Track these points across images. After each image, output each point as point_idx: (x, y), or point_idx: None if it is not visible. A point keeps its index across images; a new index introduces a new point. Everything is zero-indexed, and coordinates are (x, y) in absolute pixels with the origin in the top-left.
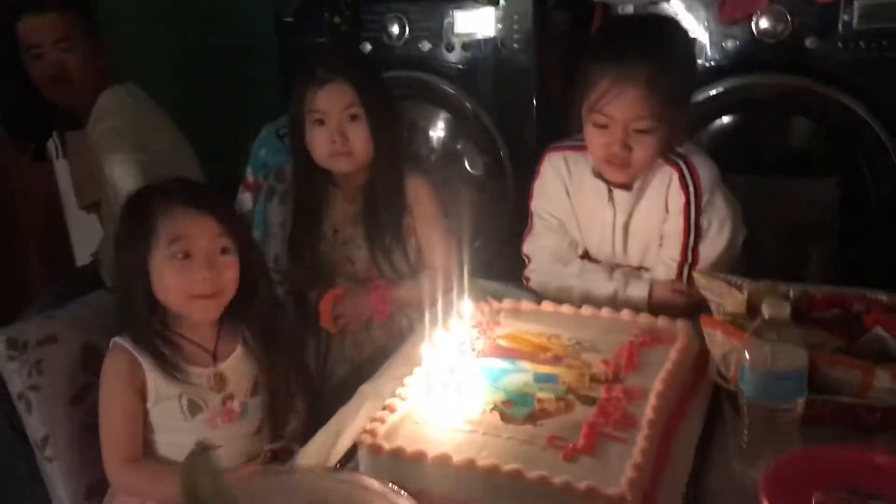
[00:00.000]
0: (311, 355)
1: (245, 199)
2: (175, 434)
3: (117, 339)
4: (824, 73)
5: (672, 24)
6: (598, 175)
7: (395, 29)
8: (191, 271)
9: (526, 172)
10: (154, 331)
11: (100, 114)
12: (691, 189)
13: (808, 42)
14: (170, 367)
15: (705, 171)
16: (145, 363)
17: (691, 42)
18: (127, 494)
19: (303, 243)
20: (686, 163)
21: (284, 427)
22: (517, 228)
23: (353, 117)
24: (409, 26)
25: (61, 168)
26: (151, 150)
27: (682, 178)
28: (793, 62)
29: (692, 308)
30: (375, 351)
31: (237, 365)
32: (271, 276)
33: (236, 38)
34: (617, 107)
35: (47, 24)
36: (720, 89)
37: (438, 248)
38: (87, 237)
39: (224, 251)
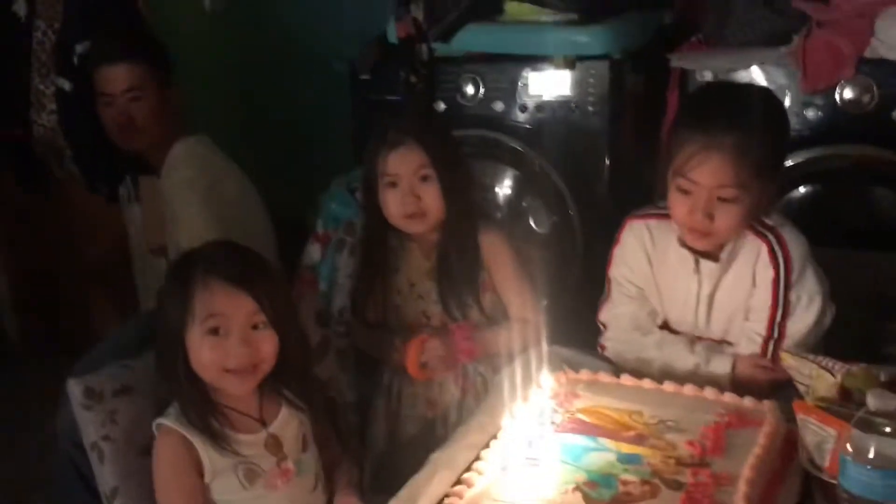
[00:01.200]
0: (380, 413)
1: (314, 250)
2: None
3: (163, 422)
4: None
5: (765, 94)
6: (685, 244)
7: (470, 89)
8: (225, 347)
9: (595, 232)
10: (200, 406)
11: (173, 163)
12: (781, 263)
13: (895, 114)
14: (221, 440)
15: (796, 244)
16: (196, 441)
17: (783, 113)
18: None
19: (367, 299)
20: (776, 236)
21: (338, 483)
22: (585, 289)
23: (425, 178)
24: (484, 86)
25: (132, 212)
26: (221, 200)
27: (771, 251)
28: (877, 133)
29: (775, 386)
30: (448, 410)
31: (285, 425)
32: (335, 328)
33: (312, 92)
34: (702, 173)
35: (118, 74)
36: (800, 159)
37: (524, 298)
38: (152, 282)
39: (259, 326)
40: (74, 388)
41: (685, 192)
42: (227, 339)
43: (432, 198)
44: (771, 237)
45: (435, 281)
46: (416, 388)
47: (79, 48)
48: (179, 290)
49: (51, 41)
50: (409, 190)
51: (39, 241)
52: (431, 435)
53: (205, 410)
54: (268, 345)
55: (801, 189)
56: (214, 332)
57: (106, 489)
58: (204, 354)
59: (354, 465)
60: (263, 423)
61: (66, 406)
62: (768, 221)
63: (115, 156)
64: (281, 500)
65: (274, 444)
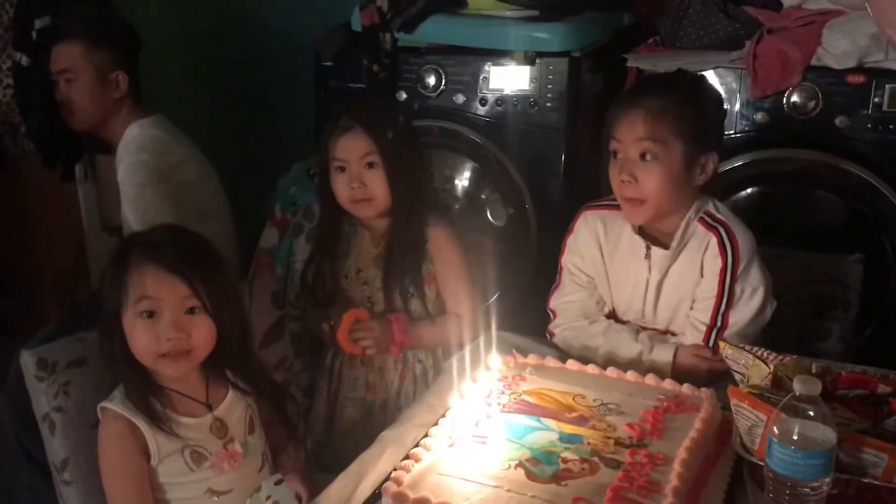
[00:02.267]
0: (322, 395)
1: (271, 234)
2: (182, 489)
3: (107, 405)
4: (851, 151)
5: (696, 77)
6: (639, 231)
7: (432, 80)
8: (158, 330)
9: (550, 225)
10: (142, 389)
11: (127, 146)
12: (729, 255)
13: (838, 120)
14: (165, 423)
15: (744, 239)
16: (142, 424)
17: (711, 94)
18: None
19: (317, 281)
20: (726, 229)
21: (283, 465)
22: (538, 282)
23: (371, 165)
24: (445, 78)
25: (87, 190)
26: (176, 182)
27: (720, 243)
28: (820, 138)
29: (713, 376)
30: (387, 395)
31: (231, 407)
32: (290, 311)
33: (275, 77)
34: (622, 128)
35: (58, 54)
36: (747, 160)
37: (461, 296)
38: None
39: (194, 310)
40: (28, 359)
41: (614, 154)
42: (159, 322)
43: (377, 184)
44: (721, 230)
45: (380, 268)
46: (357, 371)
47: (38, 23)
48: (116, 272)
49: (9, 15)
50: (356, 175)
51: None
52: (370, 418)
53: (147, 393)
54: (202, 330)
55: (748, 190)
56: (148, 315)
57: (56, 460)
58: (137, 338)
59: (300, 448)
60: (209, 407)
61: (13, 383)
62: (718, 215)
63: (71, 133)
64: (228, 482)
65: (219, 428)
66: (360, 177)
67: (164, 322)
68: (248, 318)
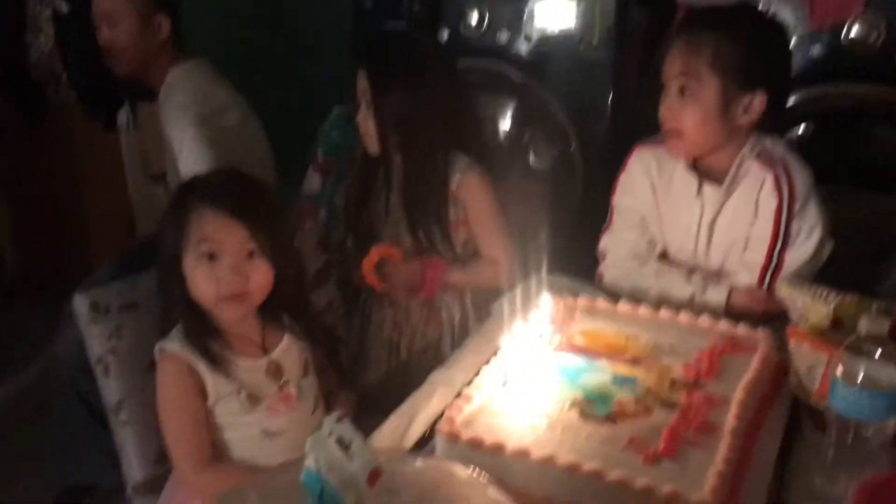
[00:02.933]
0: (353, 331)
1: (314, 179)
2: (238, 429)
3: (164, 346)
4: None
5: (748, 11)
6: (692, 168)
7: (475, 18)
8: (217, 273)
9: (596, 167)
10: (200, 330)
11: (170, 89)
12: (785, 193)
13: None
14: (222, 364)
15: (801, 175)
16: (199, 365)
17: (769, 26)
18: (207, 498)
19: (355, 220)
20: (783, 166)
21: (334, 409)
22: (584, 224)
23: (367, 104)
24: (489, 16)
25: (129, 138)
26: (219, 126)
27: (776, 181)
28: (881, 72)
29: (768, 316)
30: (412, 337)
31: (287, 351)
32: (334, 257)
33: (312, 18)
34: (666, 62)
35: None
36: (803, 96)
37: (496, 242)
38: (151, 210)
39: (252, 254)
40: (81, 303)
41: (665, 89)
42: (219, 265)
43: (362, 120)
44: (777, 167)
45: (403, 210)
46: (384, 311)
47: None
48: (177, 215)
49: None
50: (361, 112)
51: (38, 172)
52: (396, 357)
53: (206, 335)
54: (260, 274)
55: (805, 126)
56: (208, 257)
57: (111, 402)
58: (197, 280)
59: (351, 394)
60: (265, 350)
61: (68, 329)
62: (775, 152)
63: (113, 81)
64: (282, 424)
65: (275, 371)
66: (363, 113)
67: (223, 265)
68: (303, 262)
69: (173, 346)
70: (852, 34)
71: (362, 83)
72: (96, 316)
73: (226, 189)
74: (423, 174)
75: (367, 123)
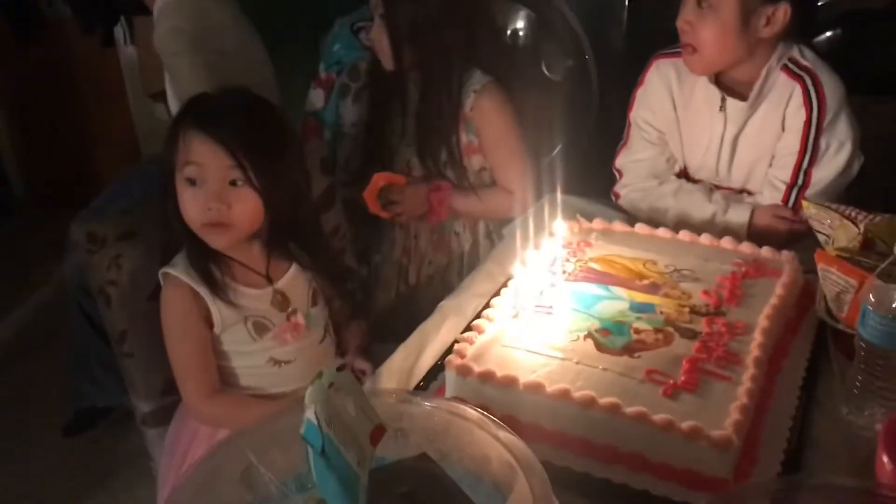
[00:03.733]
0: (363, 257)
1: (317, 95)
2: (245, 357)
3: (169, 271)
4: None
5: None
6: (715, 81)
7: None
8: (200, 199)
9: (612, 78)
10: (201, 255)
11: (163, 10)
12: (815, 105)
13: None
14: (227, 292)
15: (832, 87)
16: (203, 291)
17: None
18: (213, 426)
19: (371, 143)
20: (812, 77)
21: (346, 340)
22: (599, 139)
23: (381, 18)
24: None
25: (127, 54)
26: (216, 48)
27: (806, 92)
28: None
29: (793, 238)
30: (421, 261)
31: (294, 281)
32: (341, 176)
33: None
34: None
35: None
36: None
37: (511, 170)
38: (152, 127)
39: (236, 182)
40: (77, 233)
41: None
42: (202, 191)
43: (377, 37)
44: (806, 78)
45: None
46: (395, 234)
47: None
48: (171, 136)
49: None
50: (375, 26)
51: (39, 92)
52: (405, 282)
53: (208, 261)
54: (243, 203)
55: (831, 32)
56: (191, 182)
57: (114, 333)
58: (183, 204)
59: (362, 323)
60: (270, 279)
61: (73, 252)
62: (804, 62)
63: None
64: (290, 353)
65: (281, 301)
66: (377, 27)
67: (205, 191)
68: (308, 192)
69: (177, 272)
70: None
71: None
72: (93, 247)
73: (217, 112)
74: (438, 92)
75: (381, 38)
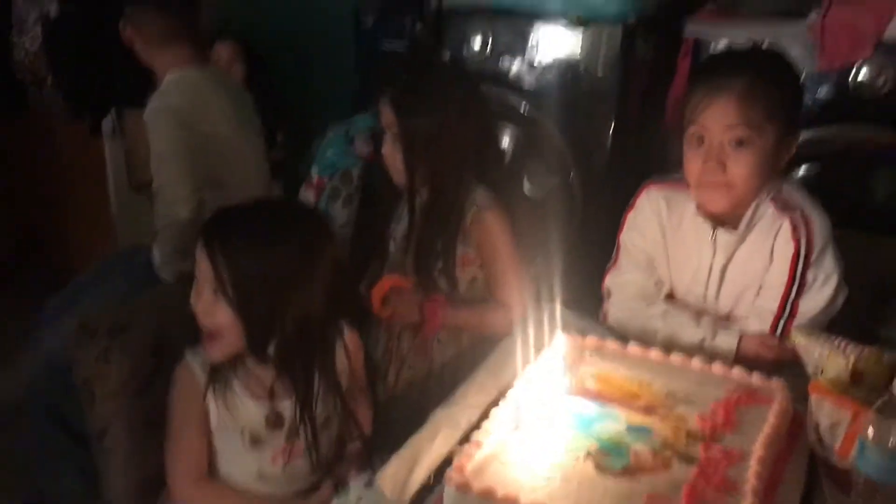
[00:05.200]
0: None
1: (307, 197)
2: (235, 464)
3: (188, 355)
4: None
5: (773, 51)
6: (703, 212)
7: (478, 43)
8: (196, 304)
9: (595, 197)
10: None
11: (160, 91)
12: (803, 239)
13: None
14: (228, 396)
15: (820, 223)
16: (204, 387)
17: (793, 69)
18: None
19: (368, 247)
20: (801, 213)
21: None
22: (581, 256)
23: (394, 136)
24: (493, 42)
25: (114, 145)
26: (206, 132)
27: (794, 227)
28: (888, 116)
29: (779, 365)
30: (401, 364)
31: (296, 404)
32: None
33: (312, 36)
34: (711, 115)
35: None
36: (810, 136)
37: (509, 286)
38: (132, 218)
39: (216, 292)
40: (69, 325)
41: (699, 139)
42: (197, 294)
43: (392, 157)
44: (796, 214)
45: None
46: (379, 333)
47: None
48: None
49: None
50: (388, 142)
51: (20, 175)
52: (382, 382)
53: (223, 364)
54: (220, 315)
55: (809, 166)
56: (195, 284)
57: (95, 429)
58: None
59: (361, 445)
60: (271, 397)
61: (52, 346)
62: (793, 197)
63: (102, 85)
64: (278, 475)
65: (275, 420)
66: (389, 145)
67: (196, 296)
68: (310, 307)
69: (192, 358)
70: (860, 77)
71: (387, 115)
72: (84, 338)
73: (218, 221)
74: (443, 206)
75: (394, 155)
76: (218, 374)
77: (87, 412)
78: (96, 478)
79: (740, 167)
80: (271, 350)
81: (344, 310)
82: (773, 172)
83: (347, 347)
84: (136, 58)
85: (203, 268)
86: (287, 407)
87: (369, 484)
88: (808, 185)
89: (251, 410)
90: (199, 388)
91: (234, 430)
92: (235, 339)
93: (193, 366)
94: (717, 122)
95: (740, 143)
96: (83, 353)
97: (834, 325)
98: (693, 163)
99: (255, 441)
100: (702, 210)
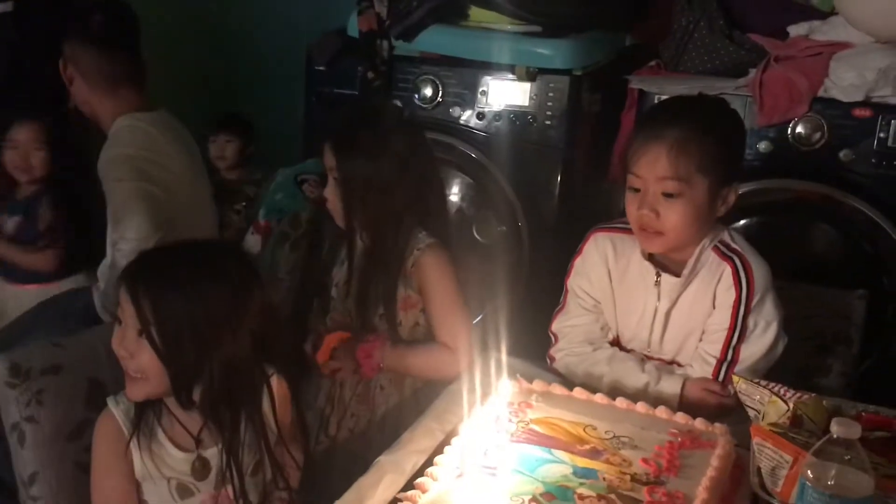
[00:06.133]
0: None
1: (254, 240)
2: None
3: (110, 403)
4: (854, 186)
5: (717, 100)
6: (648, 258)
7: (428, 91)
8: (116, 343)
9: (543, 245)
10: (143, 405)
11: (110, 139)
12: (744, 286)
13: (842, 154)
14: (153, 444)
15: (760, 270)
16: (127, 436)
17: (735, 118)
18: None
19: (312, 293)
20: (741, 259)
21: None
22: (529, 302)
23: (335, 180)
24: (442, 90)
25: None
26: (159, 180)
27: (735, 273)
28: (824, 171)
29: (721, 411)
30: (343, 412)
31: (222, 452)
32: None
33: (262, 80)
34: (644, 165)
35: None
36: (749, 189)
37: (452, 328)
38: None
39: (140, 335)
40: None
41: (635, 189)
42: (118, 334)
43: (332, 200)
44: (736, 260)
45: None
46: (322, 381)
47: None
48: None
49: None
50: (329, 185)
51: None
52: (324, 431)
53: (143, 405)
54: (144, 355)
55: (749, 219)
56: (118, 322)
57: (24, 475)
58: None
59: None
60: (198, 444)
61: None
62: (734, 245)
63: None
64: None
65: (201, 469)
66: (331, 187)
67: (118, 335)
68: (237, 351)
69: (114, 405)
70: (797, 132)
71: (328, 157)
72: (14, 380)
73: (142, 263)
74: (384, 250)
75: (334, 197)
76: (142, 424)
77: (15, 457)
78: None
79: (671, 216)
80: (196, 395)
81: (276, 355)
82: (709, 221)
83: (273, 396)
84: (73, 100)
85: (126, 310)
86: (214, 454)
87: None
88: (750, 236)
89: (177, 459)
90: (122, 438)
91: (160, 479)
92: (159, 382)
93: (116, 414)
94: (649, 171)
95: (669, 195)
96: (14, 394)
97: (774, 373)
98: (630, 208)
99: (184, 491)
100: (645, 254)
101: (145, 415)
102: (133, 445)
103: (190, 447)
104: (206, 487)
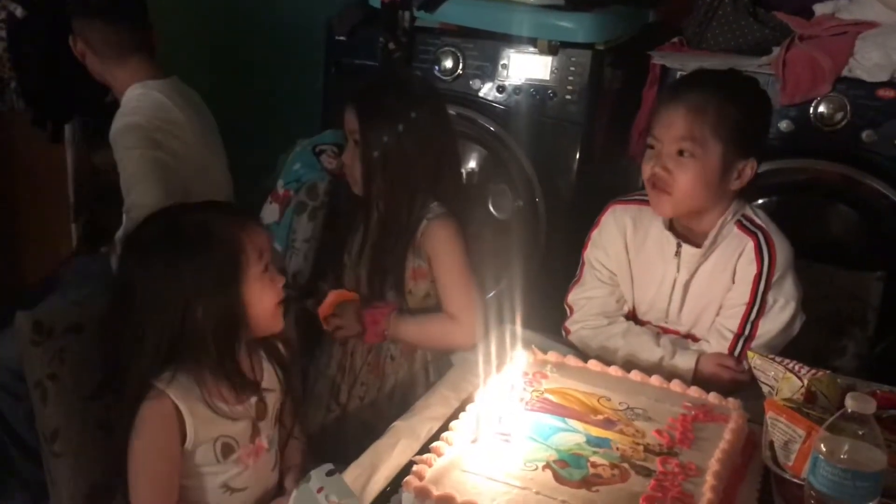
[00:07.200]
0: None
1: (272, 209)
2: (201, 478)
3: (160, 386)
4: (875, 167)
5: (745, 76)
6: (670, 227)
7: (449, 63)
8: None
9: (560, 221)
10: (213, 370)
11: (122, 108)
12: (766, 262)
13: (865, 135)
14: (203, 410)
15: (783, 247)
16: (188, 411)
17: (760, 95)
18: None
19: (332, 259)
20: (764, 235)
21: (288, 458)
22: (545, 277)
23: (355, 143)
24: (464, 62)
25: (75, 152)
26: (170, 149)
27: (758, 248)
28: (845, 151)
29: (735, 386)
30: (354, 381)
31: (270, 393)
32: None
33: (283, 50)
34: (661, 126)
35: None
36: (769, 168)
37: (457, 298)
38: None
39: None
40: (23, 322)
41: (650, 148)
42: None
43: (351, 164)
44: (759, 235)
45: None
46: (333, 349)
47: None
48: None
49: None
50: (349, 150)
51: None
52: (336, 400)
53: (192, 383)
54: None
55: (768, 198)
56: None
57: (46, 431)
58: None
59: (301, 445)
60: (255, 386)
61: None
62: (757, 221)
63: (66, 93)
64: (244, 479)
65: (262, 409)
66: (350, 152)
67: None
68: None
69: (163, 384)
70: (819, 112)
71: (350, 121)
72: (38, 337)
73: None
74: (397, 219)
75: (353, 163)
76: (200, 387)
77: (38, 414)
78: (39, 493)
79: (681, 176)
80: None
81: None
82: (721, 191)
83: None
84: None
85: None
86: (267, 394)
87: (331, 473)
88: (769, 215)
89: (229, 416)
90: (176, 417)
91: (209, 443)
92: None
93: (171, 397)
94: (667, 131)
95: (681, 153)
96: (38, 351)
97: (788, 354)
98: (645, 166)
99: (226, 450)
100: (667, 223)
101: (194, 385)
102: (189, 415)
103: (242, 399)
104: (244, 440)
